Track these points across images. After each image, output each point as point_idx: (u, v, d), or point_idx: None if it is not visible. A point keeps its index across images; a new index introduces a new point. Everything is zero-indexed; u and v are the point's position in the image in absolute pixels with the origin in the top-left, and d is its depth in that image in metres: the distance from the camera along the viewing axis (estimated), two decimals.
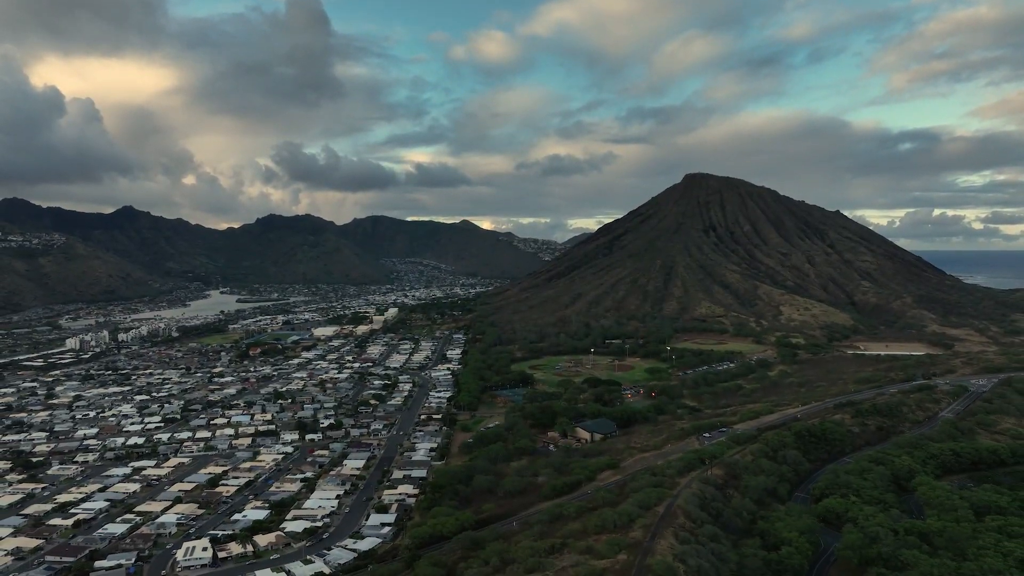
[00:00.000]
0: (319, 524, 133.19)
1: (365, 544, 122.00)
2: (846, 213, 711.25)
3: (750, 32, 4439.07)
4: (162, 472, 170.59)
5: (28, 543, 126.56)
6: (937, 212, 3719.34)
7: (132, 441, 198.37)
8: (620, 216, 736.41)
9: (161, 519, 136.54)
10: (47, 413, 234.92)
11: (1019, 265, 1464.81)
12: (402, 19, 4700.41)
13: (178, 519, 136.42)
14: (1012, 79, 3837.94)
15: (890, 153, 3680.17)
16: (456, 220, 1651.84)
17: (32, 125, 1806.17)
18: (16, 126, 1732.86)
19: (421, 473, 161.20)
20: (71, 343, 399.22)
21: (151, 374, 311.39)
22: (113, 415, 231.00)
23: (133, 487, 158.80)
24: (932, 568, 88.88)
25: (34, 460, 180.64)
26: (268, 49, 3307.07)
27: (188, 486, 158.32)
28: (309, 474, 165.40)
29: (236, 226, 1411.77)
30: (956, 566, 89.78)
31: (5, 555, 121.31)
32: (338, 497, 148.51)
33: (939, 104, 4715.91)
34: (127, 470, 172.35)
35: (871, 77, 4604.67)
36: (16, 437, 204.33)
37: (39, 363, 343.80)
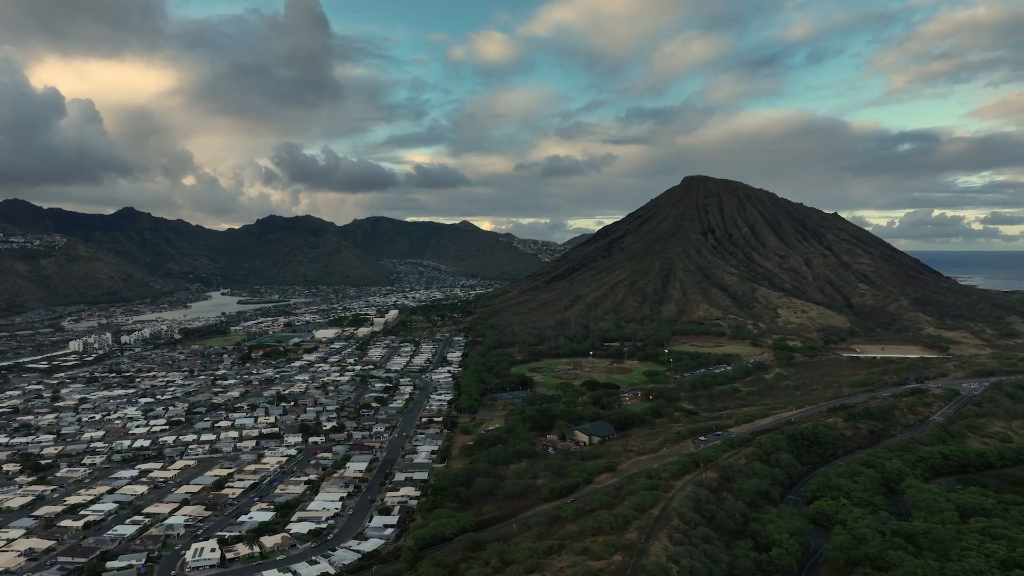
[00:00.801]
0: (323, 525, 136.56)
1: (369, 545, 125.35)
2: (845, 214, 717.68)
3: (749, 32, 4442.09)
4: (169, 474, 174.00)
5: (40, 544, 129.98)
6: (936, 213, 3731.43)
7: (138, 444, 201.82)
8: (620, 217, 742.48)
9: (169, 520, 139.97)
10: (53, 416, 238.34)
11: (1018, 266, 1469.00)
12: (401, 20, 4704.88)
13: (186, 521, 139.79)
14: (1011, 80, 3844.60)
15: (889, 153, 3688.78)
16: (456, 221, 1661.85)
17: (32, 126, 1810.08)
18: (16, 127, 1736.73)
19: (423, 475, 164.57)
20: (74, 345, 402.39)
21: (155, 376, 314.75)
22: (118, 418, 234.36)
23: (141, 489, 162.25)
24: (916, 568, 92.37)
25: (43, 462, 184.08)
26: (267, 50, 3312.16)
27: (195, 488, 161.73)
28: (313, 476, 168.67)
29: (236, 227, 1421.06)
30: (939, 566, 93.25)
31: (18, 556, 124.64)
32: (342, 499, 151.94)
33: (938, 105, 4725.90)
34: (134, 472, 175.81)
35: (870, 78, 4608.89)
36: (24, 439, 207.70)
37: (43, 365, 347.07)
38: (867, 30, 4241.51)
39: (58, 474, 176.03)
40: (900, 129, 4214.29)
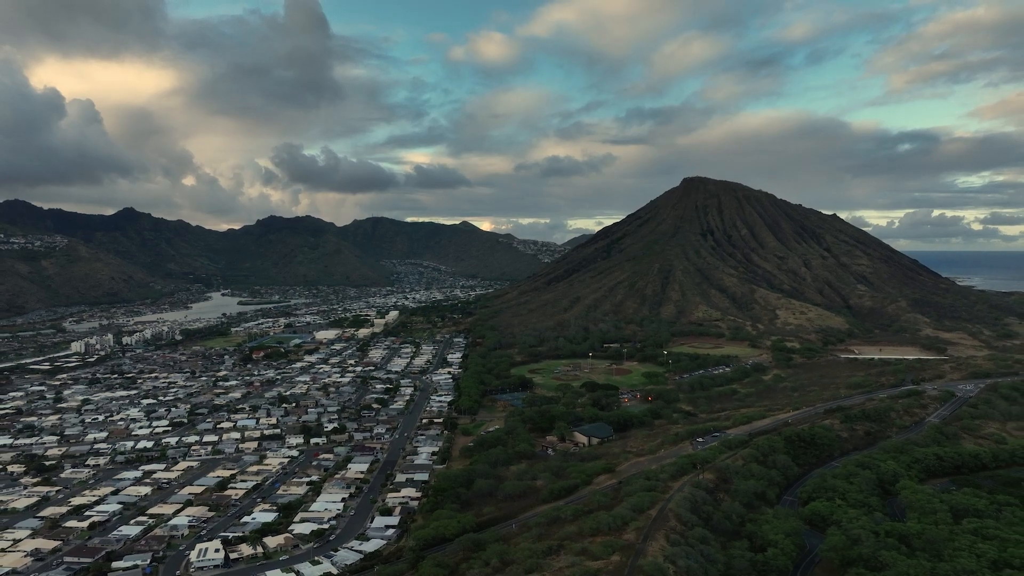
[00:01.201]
0: (326, 526, 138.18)
1: (370, 546, 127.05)
2: (845, 214, 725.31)
3: (749, 33, 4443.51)
4: (172, 475, 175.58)
5: (46, 544, 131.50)
6: (936, 213, 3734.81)
7: (141, 445, 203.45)
8: (620, 217, 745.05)
9: (173, 521, 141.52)
10: (57, 417, 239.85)
11: (1017, 266, 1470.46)
12: (401, 20, 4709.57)
13: (190, 521, 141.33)
14: (1010, 80, 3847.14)
15: (889, 154, 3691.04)
16: (456, 221, 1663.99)
17: (32, 126, 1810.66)
18: (17, 127, 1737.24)
19: (423, 476, 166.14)
20: (76, 346, 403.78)
21: (156, 378, 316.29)
22: (121, 419, 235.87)
23: (144, 490, 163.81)
24: (909, 568, 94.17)
25: (47, 464, 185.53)
26: (267, 51, 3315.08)
27: (198, 489, 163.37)
28: (315, 477, 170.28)
29: (236, 227, 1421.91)
30: (931, 566, 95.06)
31: (25, 556, 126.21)
32: (343, 500, 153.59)
33: (938, 105, 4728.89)
34: (138, 473, 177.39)
35: (870, 78, 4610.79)
36: (28, 441, 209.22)
37: (45, 367, 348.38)
38: (867, 30, 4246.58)
39: (62, 475, 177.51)
40: (900, 129, 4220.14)
